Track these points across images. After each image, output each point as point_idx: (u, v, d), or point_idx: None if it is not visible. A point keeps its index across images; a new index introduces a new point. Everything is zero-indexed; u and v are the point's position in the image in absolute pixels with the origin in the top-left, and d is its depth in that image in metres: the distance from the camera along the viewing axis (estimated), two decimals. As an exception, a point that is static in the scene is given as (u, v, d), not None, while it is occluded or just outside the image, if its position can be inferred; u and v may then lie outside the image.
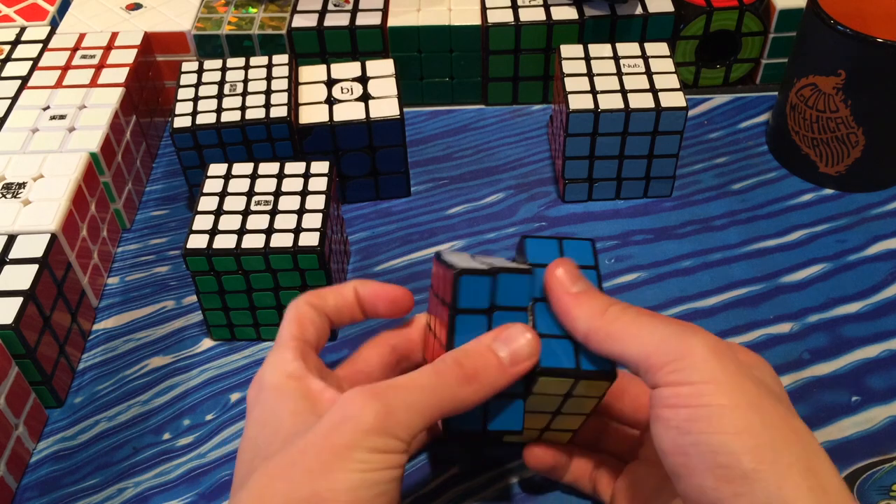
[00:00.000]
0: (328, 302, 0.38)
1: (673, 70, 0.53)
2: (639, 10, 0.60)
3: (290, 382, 0.33)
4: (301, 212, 0.46)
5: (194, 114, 0.52)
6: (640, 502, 0.37)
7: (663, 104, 0.51)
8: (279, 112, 0.51)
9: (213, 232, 0.45)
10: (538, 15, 0.59)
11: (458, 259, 0.34)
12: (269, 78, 0.54)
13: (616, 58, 0.54)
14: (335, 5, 0.61)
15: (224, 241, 0.44)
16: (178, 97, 0.53)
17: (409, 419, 0.31)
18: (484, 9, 0.60)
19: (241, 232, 0.45)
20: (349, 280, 0.38)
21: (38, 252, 0.45)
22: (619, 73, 0.53)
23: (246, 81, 0.54)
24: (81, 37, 0.61)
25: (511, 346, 0.32)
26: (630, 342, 0.31)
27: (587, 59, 0.54)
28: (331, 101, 0.54)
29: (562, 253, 0.35)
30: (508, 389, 0.33)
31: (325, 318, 0.37)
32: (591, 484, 0.39)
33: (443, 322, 0.34)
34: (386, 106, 0.53)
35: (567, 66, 0.54)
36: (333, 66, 0.56)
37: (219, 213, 0.46)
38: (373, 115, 0.52)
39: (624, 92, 0.52)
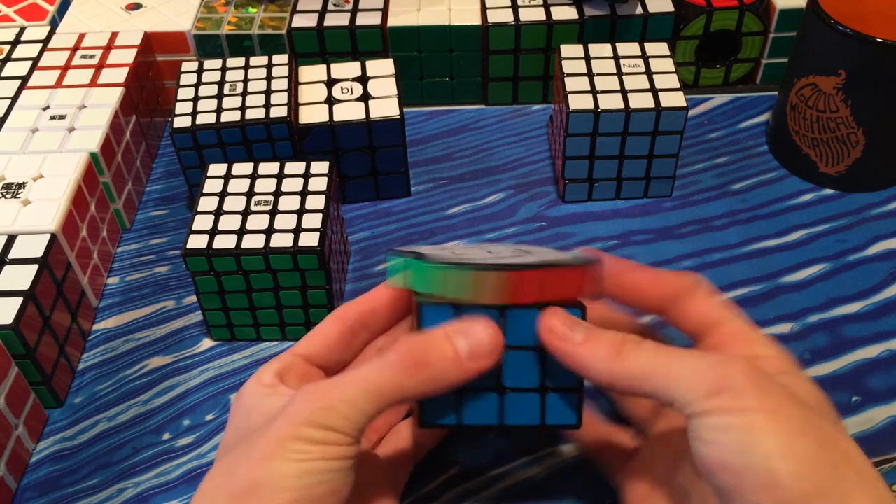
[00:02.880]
0: (359, 308, 0.37)
1: (673, 70, 0.53)
2: (639, 10, 0.60)
3: (261, 388, 0.34)
4: (301, 212, 0.46)
5: (194, 114, 0.52)
6: (656, 484, 0.36)
7: (663, 104, 0.51)
8: (279, 112, 0.51)
9: (213, 232, 0.45)
10: (538, 15, 0.59)
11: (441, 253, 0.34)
12: (269, 78, 0.54)
13: (616, 58, 0.54)
14: (335, 5, 0.61)
15: (224, 242, 0.44)
16: (178, 97, 0.53)
17: (349, 412, 0.30)
18: (484, 9, 0.60)
19: (241, 232, 0.45)
20: (327, 317, 0.37)
21: (38, 252, 0.45)
22: (619, 73, 0.53)
23: (246, 81, 0.54)
24: (81, 37, 0.61)
25: (472, 339, 0.32)
26: (660, 379, 0.30)
27: (587, 58, 0.54)
28: (331, 101, 0.54)
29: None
30: (479, 383, 0.32)
31: (346, 326, 0.36)
32: (600, 451, 0.39)
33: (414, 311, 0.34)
34: (386, 106, 0.53)
35: (567, 66, 0.53)
36: (333, 66, 0.56)
37: (219, 213, 0.46)
38: (373, 115, 0.52)
39: (624, 92, 0.52)
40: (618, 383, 0.31)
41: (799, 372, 0.32)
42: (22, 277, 0.44)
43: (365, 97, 0.54)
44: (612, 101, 0.51)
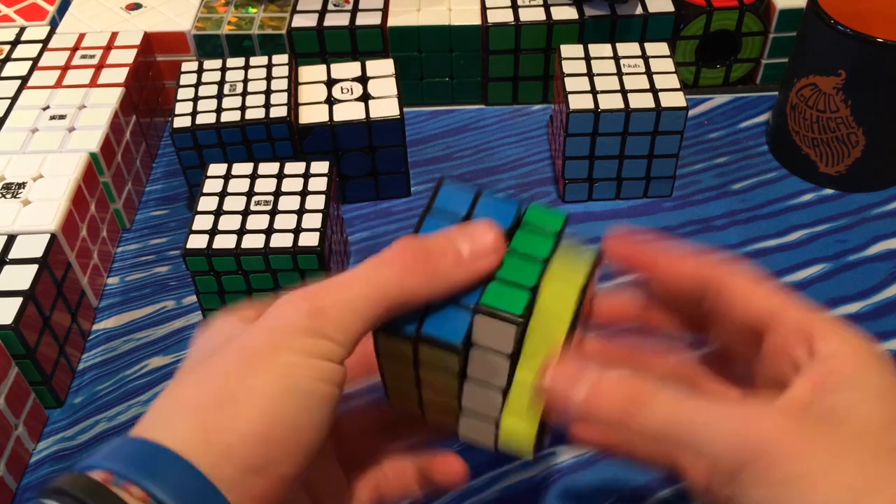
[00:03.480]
0: None
1: (673, 70, 0.53)
2: (639, 10, 0.60)
3: (238, 322, 0.30)
4: (301, 212, 0.46)
5: (194, 114, 0.52)
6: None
7: (663, 104, 0.51)
8: (279, 112, 0.51)
9: (213, 232, 0.45)
10: (538, 15, 0.59)
11: None
12: (268, 78, 0.54)
13: (616, 58, 0.54)
14: (335, 5, 0.61)
15: (224, 242, 0.44)
16: (178, 97, 0.53)
17: (344, 316, 0.27)
18: (484, 9, 0.60)
19: (241, 232, 0.45)
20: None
21: (38, 252, 0.45)
22: (619, 73, 0.53)
23: (246, 81, 0.54)
24: (81, 37, 0.61)
25: (473, 240, 0.29)
26: (687, 440, 0.26)
27: (587, 59, 0.54)
28: (331, 101, 0.54)
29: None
30: (461, 297, 0.29)
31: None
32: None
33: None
34: (386, 106, 0.53)
35: (567, 66, 0.53)
36: (333, 66, 0.56)
37: (219, 213, 0.46)
38: (373, 115, 0.52)
39: (624, 92, 0.52)
40: (639, 449, 0.28)
41: (871, 374, 0.27)
42: (22, 277, 0.44)
43: (365, 97, 0.54)
44: (612, 101, 0.51)
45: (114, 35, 0.60)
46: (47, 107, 0.55)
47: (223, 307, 0.47)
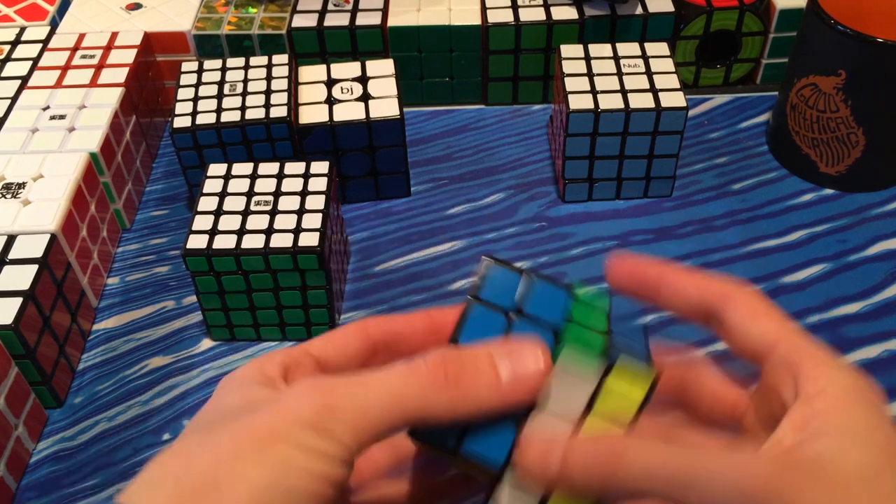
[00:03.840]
0: (388, 326, 0.31)
1: (673, 70, 0.53)
2: (639, 10, 0.60)
3: (260, 377, 0.28)
4: (301, 212, 0.46)
5: (194, 114, 0.52)
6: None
7: (663, 104, 0.51)
8: (279, 112, 0.51)
9: (213, 232, 0.45)
10: (538, 15, 0.59)
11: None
12: (268, 78, 0.54)
13: (616, 58, 0.54)
14: (335, 5, 0.61)
15: (224, 242, 0.44)
16: (178, 97, 0.53)
17: (357, 421, 0.25)
18: (484, 9, 0.60)
19: (241, 232, 0.45)
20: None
21: (38, 252, 0.45)
22: (620, 73, 0.53)
23: (246, 81, 0.54)
24: (81, 37, 0.61)
25: (516, 363, 0.26)
26: (676, 494, 0.25)
27: (587, 59, 0.54)
28: (331, 101, 0.54)
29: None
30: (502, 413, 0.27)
31: (370, 342, 0.30)
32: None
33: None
34: (386, 106, 0.53)
35: (567, 66, 0.53)
36: (333, 66, 0.56)
37: (219, 213, 0.46)
38: (373, 115, 0.52)
39: (624, 92, 0.52)
40: (623, 496, 0.26)
41: (857, 416, 0.26)
42: (22, 277, 0.44)
43: (365, 97, 0.54)
44: (612, 101, 0.51)
45: (114, 35, 0.60)
46: (47, 107, 0.55)
47: (223, 306, 0.47)
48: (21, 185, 0.49)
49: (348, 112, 0.53)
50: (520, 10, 0.60)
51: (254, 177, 0.48)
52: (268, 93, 0.53)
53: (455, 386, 0.26)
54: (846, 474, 0.24)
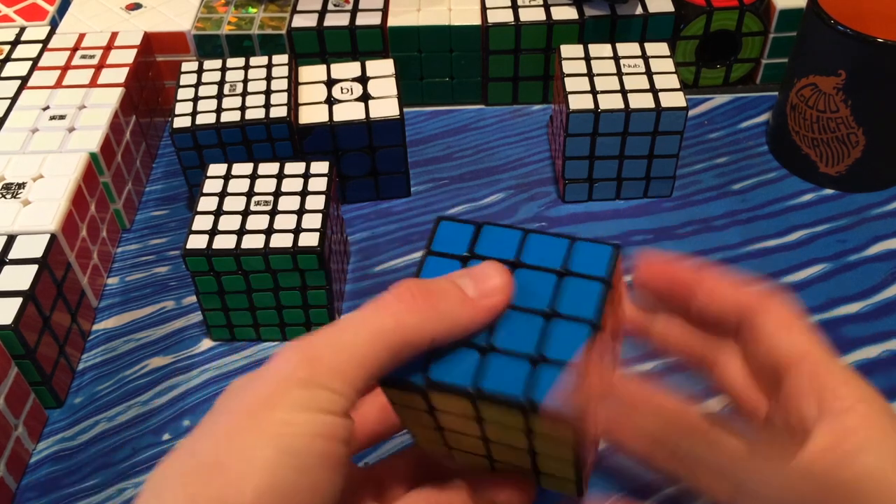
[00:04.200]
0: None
1: (673, 70, 0.53)
2: (639, 10, 0.60)
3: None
4: (301, 212, 0.46)
5: (194, 114, 0.52)
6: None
7: (663, 104, 0.51)
8: (279, 112, 0.51)
9: (213, 232, 0.45)
10: (538, 15, 0.59)
11: None
12: (268, 78, 0.54)
13: (616, 58, 0.54)
14: (335, 5, 0.61)
15: (224, 242, 0.44)
16: (178, 97, 0.53)
17: (343, 365, 0.24)
18: (484, 9, 0.60)
19: (241, 232, 0.45)
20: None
21: (38, 252, 0.45)
22: (620, 73, 0.53)
23: (246, 81, 0.54)
24: (81, 37, 0.61)
25: (479, 280, 0.27)
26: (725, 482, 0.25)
27: (587, 59, 0.54)
28: (331, 101, 0.54)
29: (568, 260, 0.29)
30: (470, 338, 0.27)
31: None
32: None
33: None
34: (386, 106, 0.53)
35: (567, 66, 0.53)
36: (333, 66, 0.56)
37: (219, 213, 0.46)
38: (373, 115, 0.52)
39: (624, 92, 0.52)
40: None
41: (891, 435, 0.26)
42: (22, 277, 0.44)
43: (365, 97, 0.54)
44: (612, 102, 0.51)
45: (114, 35, 0.60)
46: (47, 107, 0.55)
47: (223, 306, 0.47)
48: (21, 185, 0.49)
49: (348, 112, 0.53)
50: (520, 10, 0.60)
51: (254, 177, 0.48)
52: (268, 93, 0.53)
53: (426, 305, 0.26)
54: (890, 491, 0.25)
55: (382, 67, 0.55)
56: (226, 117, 0.51)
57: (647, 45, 0.55)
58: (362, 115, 0.52)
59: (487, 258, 0.29)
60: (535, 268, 0.28)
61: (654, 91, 0.52)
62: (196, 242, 0.44)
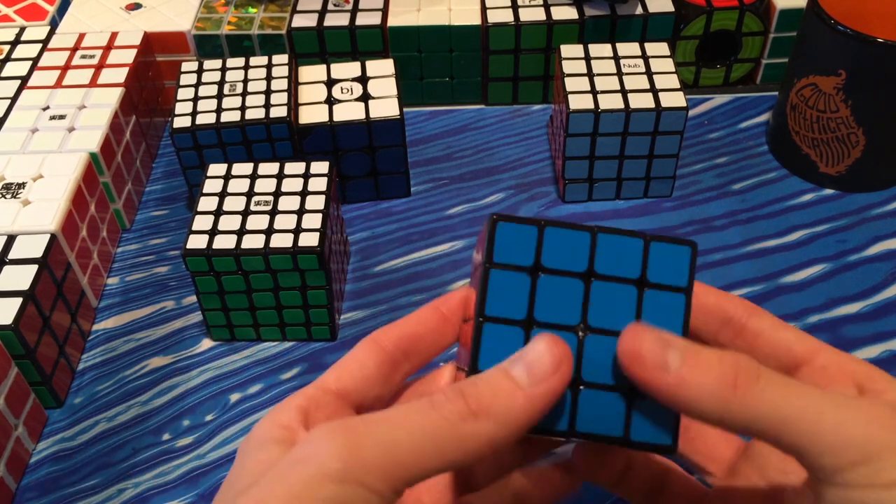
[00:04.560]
0: (400, 331, 0.29)
1: (673, 70, 0.53)
2: (639, 10, 0.60)
3: (275, 430, 0.26)
4: (301, 212, 0.46)
5: (194, 114, 0.52)
6: None
7: (663, 104, 0.51)
8: (279, 112, 0.51)
9: (213, 232, 0.45)
10: (538, 15, 0.59)
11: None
12: (268, 78, 0.54)
13: (616, 58, 0.54)
14: (335, 5, 0.61)
15: (224, 242, 0.44)
16: (178, 97, 0.53)
17: (388, 464, 0.23)
18: (484, 9, 0.60)
19: (241, 232, 0.45)
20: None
21: (38, 252, 0.45)
22: (620, 73, 0.53)
23: (246, 81, 0.54)
24: (81, 37, 0.61)
25: (528, 362, 0.25)
26: (793, 430, 0.24)
27: (587, 59, 0.54)
28: (331, 101, 0.54)
29: (645, 266, 0.27)
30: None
31: (386, 355, 0.29)
32: None
33: (476, 286, 0.28)
34: (386, 106, 0.53)
35: (567, 66, 0.53)
36: (333, 66, 0.56)
37: (219, 213, 0.46)
38: (373, 115, 0.52)
39: (624, 92, 0.52)
40: (732, 424, 0.24)
41: None
42: (22, 277, 0.44)
43: (365, 97, 0.54)
44: (612, 101, 0.51)
45: (114, 35, 0.60)
46: (47, 107, 0.55)
47: (223, 306, 0.47)
48: (21, 185, 0.49)
49: (348, 112, 0.53)
50: (520, 10, 0.60)
51: (254, 177, 0.48)
52: (268, 93, 0.53)
53: (482, 411, 0.24)
54: None
55: (382, 67, 0.55)
56: (226, 117, 0.51)
57: (647, 45, 0.55)
58: (362, 115, 0.52)
59: (558, 272, 0.27)
60: (612, 279, 0.27)
61: (654, 91, 0.52)
62: (196, 242, 0.44)
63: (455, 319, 0.29)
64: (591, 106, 0.51)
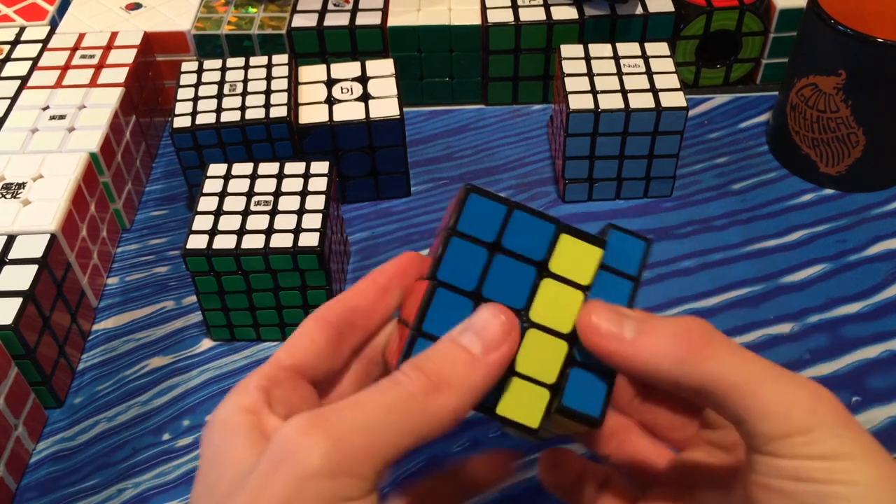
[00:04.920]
0: (342, 305, 0.30)
1: (673, 70, 0.53)
2: (639, 10, 0.60)
3: (240, 416, 0.26)
4: (301, 212, 0.46)
5: (194, 114, 0.52)
6: None
7: (663, 104, 0.51)
8: (279, 112, 0.51)
9: (213, 232, 0.45)
10: (538, 15, 0.59)
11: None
12: (268, 78, 0.54)
13: (616, 58, 0.54)
14: (335, 5, 0.61)
15: (224, 242, 0.44)
16: (178, 97, 0.53)
17: (369, 448, 0.23)
18: (484, 9, 0.60)
19: (241, 232, 0.45)
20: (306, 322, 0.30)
21: (38, 252, 0.45)
22: (620, 73, 0.53)
23: (246, 81, 0.54)
24: (81, 37, 0.61)
25: (480, 332, 0.26)
26: (739, 395, 0.25)
27: (587, 58, 0.54)
28: (331, 101, 0.54)
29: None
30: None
31: (333, 329, 0.29)
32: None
33: (435, 253, 0.28)
34: (386, 106, 0.53)
35: (567, 66, 0.53)
36: (333, 66, 0.56)
37: (219, 213, 0.46)
38: (373, 115, 0.52)
39: (624, 92, 0.52)
40: (686, 385, 0.25)
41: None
42: (22, 277, 0.44)
43: (365, 97, 0.54)
44: (612, 101, 0.51)
45: (114, 35, 0.60)
46: (47, 107, 0.55)
47: (223, 306, 0.47)
48: (21, 185, 0.49)
49: (348, 112, 0.53)
50: (520, 10, 0.60)
51: (254, 177, 0.48)
52: (268, 93, 0.53)
53: (443, 383, 0.25)
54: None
55: (382, 67, 0.55)
56: (226, 117, 0.51)
57: (647, 45, 0.55)
58: (362, 115, 0.52)
59: (514, 254, 0.28)
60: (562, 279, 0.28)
61: (654, 91, 0.52)
62: (196, 242, 0.44)
63: (393, 288, 0.30)
64: (591, 106, 0.51)
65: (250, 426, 0.26)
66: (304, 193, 0.47)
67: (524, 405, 0.27)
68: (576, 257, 0.28)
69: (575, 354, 0.28)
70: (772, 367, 0.26)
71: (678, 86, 0.52)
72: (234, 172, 0.48)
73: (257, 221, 0.45)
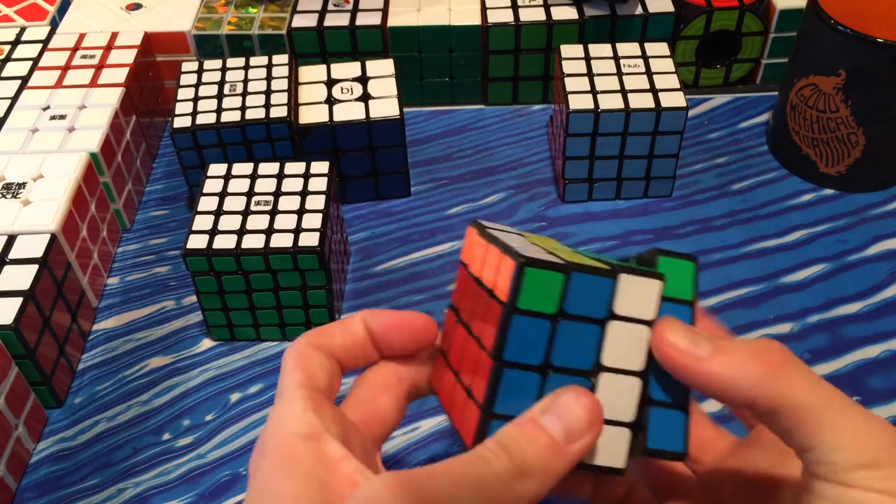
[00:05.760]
0: (335, 340, 0.30)
1: (673, 70, 0.53)
2: (639, 10, 0.60)
3: (300, 444, 0.25)
4: (301, 212, 0.46)
5: (194, 114, 0.52)
6: None
7: (663, 104, 0.51)
8: (279, 112, 0.51)
9: (213, 232, 0.45)
10: (538, 15, 0.59)
11: (509, 238, 0.29)
12: (269, 78, 0.54)
13: (616, 58, 0.54)
14: (335, 5, 0.61)
15: (224, 242, 0.44)
16: (178, 97, 0.53)
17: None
18: (484, 9, 0.60)
19: (241, 232, 0.45)
20: (356, 312, 0.30)
21: (38, 252, 0.45)
22: (620, 73, 0.53)
23: (246, 81, 0.54)
24: (81, 37, 0.61)
25: (564, 419, 0.26)
26: (815, 421, 0.25)
27: (587, 59, 0.54)
28: (331, 101, 0.54)
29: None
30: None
31: (333, 360, 0.29)
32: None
33: (487, 317, 0.27)
34: (386, 106, 0.53)
35: (567, 66, 0.53)
36: (333, 66, 0.56)
37: (219, 213, 0.46)
38: (373, 115, 0.52)
39: (624, 92, 0.52)
40: (762, 406, 0.25)
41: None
42: (22, 277, 0.44)
43: (365, 97, 0.54)
44: (612, 101, 0.51)
45: (114, 35, 0.60)
46: (47, 107, 0.55)
47: (223, 306, 0.47)
48: (21, 185, 0.49)
49: (348, 112, 0.53)
50: (520, 10, 0.60)
51: (254, 177, 0.48)
52: (268, 93, 0.53)
53: (526, 470, 0.25)
54: None
55: (382, 67, 0.55)
56: (226, 117, 0.51)
57: (647, 45, 0.55)
58: (362, 115, 0.52)
59: (577, 317, 0.27)
60: (625, 319, 0.28)
61: (654, 91, 0.52)
62: (196, 242, 0.44)
63: (386, 336, 0.30)
64: (591, 106, 0.51)
65: (313, 459, 0.25)
66: (304, 193, 0.47)
67: (607, 448, 0.27)
68: (637, 294, 0.27)
69: (649, 392, 0.28)
70: (845, 397, 0.26)
71: (678, 86, 0.52)
72: (234, 172, 0.48)
73: (257, 221, 0.45)
